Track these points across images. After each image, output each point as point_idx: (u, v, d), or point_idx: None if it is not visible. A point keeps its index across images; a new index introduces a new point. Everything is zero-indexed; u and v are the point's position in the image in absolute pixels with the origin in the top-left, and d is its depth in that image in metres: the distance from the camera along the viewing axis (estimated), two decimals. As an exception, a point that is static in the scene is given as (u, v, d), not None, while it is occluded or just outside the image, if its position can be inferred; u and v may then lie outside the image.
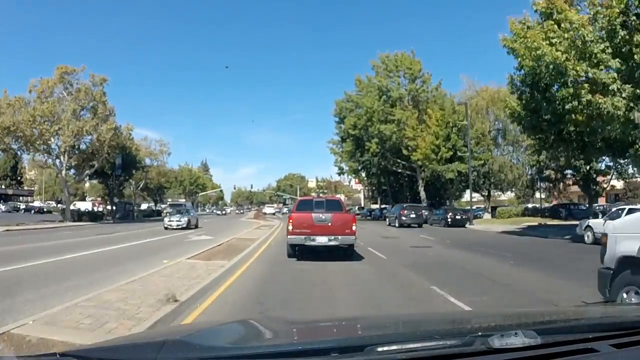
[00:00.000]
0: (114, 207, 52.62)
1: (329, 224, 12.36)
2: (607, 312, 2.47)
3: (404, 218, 32.87)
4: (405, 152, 43.54)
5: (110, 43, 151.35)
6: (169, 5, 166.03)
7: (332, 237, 12.29)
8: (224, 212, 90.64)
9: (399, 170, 49.26)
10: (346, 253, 12.96)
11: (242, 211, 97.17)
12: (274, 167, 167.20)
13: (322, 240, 12.29)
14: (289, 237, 12.74)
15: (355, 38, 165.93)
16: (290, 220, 12.77)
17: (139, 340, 1.95)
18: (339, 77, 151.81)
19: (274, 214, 72.35)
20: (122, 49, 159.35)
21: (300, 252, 12.86)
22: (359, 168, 55.59)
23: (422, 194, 46.59)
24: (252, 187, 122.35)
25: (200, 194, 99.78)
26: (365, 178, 63.98)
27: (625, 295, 5.36)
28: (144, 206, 72.66)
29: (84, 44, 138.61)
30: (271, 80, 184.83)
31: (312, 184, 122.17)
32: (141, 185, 65.15)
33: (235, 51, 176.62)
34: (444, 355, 1.45)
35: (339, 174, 63.44)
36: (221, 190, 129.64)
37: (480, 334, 1.55)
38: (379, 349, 1.45)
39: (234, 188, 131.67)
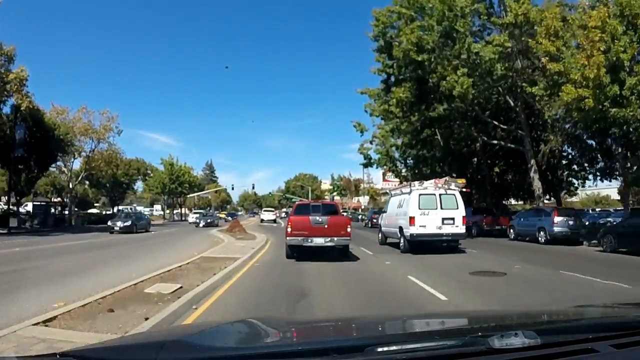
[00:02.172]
0: (23, 209, 35.06)
1: (326, 226, 13.12)
2: (607, 312, 2.47)
3: (374, 220, 39.52)
4: (530, 90, 21.89)
5: (123, 47, 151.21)
6: (189, 8, 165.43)
7: (329, 239, 13.07)
8: (119, 224, 31.55)
9: (494, 142, 28.28)
10: (341, 253, 13.64)
11: (210, 220, 45.49)
12: (287, 172, 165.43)
13: (319, 241, 13.06)
14: (287, 238, 13.43)
15: (363, 43, 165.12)
16: (289, 223, 13.56)
17: (139, 340, 1.95)
18: (353, 78, 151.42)
19: (274, 220, 52.90)
20: (138, 51, 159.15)
21: (298, 253, 13.47)
22: (412, 144, 33.31)
23: (537, 184, 25.87)
24: (253, 187, 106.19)
25: (190, 195, 77.45)
26: (406, 168, 40.37)
27: (379, 235, 19.81)
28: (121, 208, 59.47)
29: (99, 57, 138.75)
30: (284, 85, 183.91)
31: (325, 185, 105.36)
32: (81, 178, 45.98)
33: (250, 56, 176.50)
34: (444, 355, 1.45)
35: (366, 166, 43.80)
36: (227, 193, 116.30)
37: (480, 334, 1.55)
38: (379, 349, 1.45)
39: (232, 188, 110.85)
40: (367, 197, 79.54)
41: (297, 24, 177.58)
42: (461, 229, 15.76)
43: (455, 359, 1.44)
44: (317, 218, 13.28)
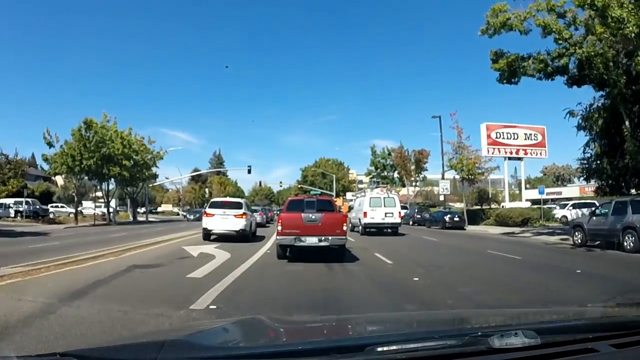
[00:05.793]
0: None
1: (319, 224, 12.13)
2: (607, 312, 2.47)
3: (418, 216, 41.03)
4: None
5: (147, 46, 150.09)
6: (207, 8, 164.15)
7: (323, 238, 12.03)
8: None
9: None
10: (337, 254, 12.51)
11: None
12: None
13: (312, 240, 12.03)
14: (278, 237, 12.49)
15: (381, 37, 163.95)
16: (280, 221, 12.58)
17: (139, 340, 1.95)
18: (369, 76, 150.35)
19: (242, 232, 17.34)
20: (160, 50, 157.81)
21: (291, 253, 12.53)
22: None
23: None
24: (249, 171, 63.21)
25: (156, 183, 56.30)
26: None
27: (349, 224, 22.75)
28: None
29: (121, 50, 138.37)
30: (304, 81, 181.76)
31: (353, 175, 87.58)
32: None
33: (267, 54, 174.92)
34: (444, 355, 1.45)
35: (505, 78, 19.35)
36: (238, 187, 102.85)
37: (480, 334, 1.55)
38: (379, 349, 1.45)
39: (217, 172, 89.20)
40: (446, 181, 39.89)
41: (319, 24, 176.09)
42: (397, 219, 24.45)
43: (455, 359, 1.44)
44: (310, 215, 12.28)
